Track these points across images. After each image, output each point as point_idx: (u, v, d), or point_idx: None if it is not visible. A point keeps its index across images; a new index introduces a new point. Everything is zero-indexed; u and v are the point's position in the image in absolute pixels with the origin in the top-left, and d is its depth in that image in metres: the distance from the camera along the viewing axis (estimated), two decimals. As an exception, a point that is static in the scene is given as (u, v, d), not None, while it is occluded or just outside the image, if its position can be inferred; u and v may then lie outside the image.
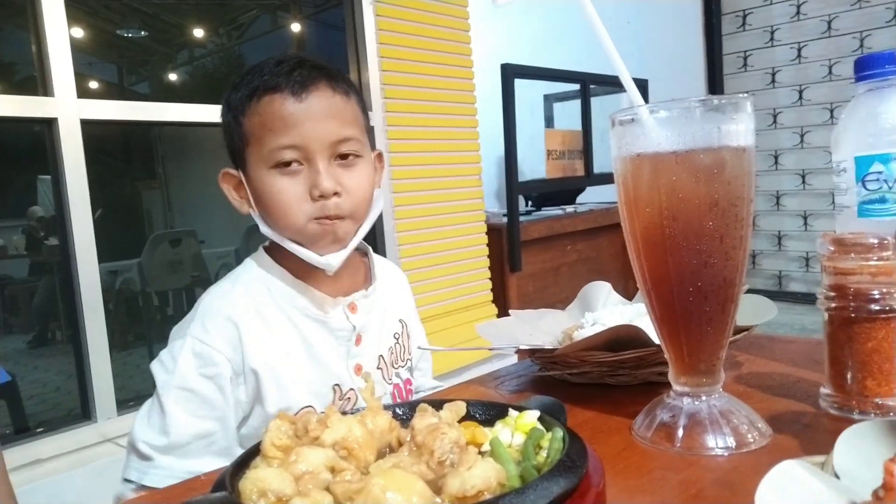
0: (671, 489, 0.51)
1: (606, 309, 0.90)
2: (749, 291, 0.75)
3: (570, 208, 3.59)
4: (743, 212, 0.57)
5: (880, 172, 0.69)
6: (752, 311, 0.77)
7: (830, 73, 4.57)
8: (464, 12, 2.87)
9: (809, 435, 0.59)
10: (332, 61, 0.93)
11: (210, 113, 2.20)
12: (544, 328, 0.90)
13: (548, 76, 3.40)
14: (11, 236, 3.89)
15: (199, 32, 4.29)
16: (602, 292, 0.97)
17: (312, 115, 0.85)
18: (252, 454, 0.48)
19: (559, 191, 3.62)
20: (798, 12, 4.69)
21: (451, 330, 2.69)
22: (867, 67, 0.70)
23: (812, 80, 4.66)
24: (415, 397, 1.02)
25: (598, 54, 0.65)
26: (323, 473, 0.43)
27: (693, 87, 4.93)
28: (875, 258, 0.60)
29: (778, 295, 4.75)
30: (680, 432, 0.58)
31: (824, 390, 0.65)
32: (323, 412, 0.49)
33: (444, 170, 2.78)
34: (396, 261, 2.47)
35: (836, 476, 0.43)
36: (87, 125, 1.90)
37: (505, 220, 3.00)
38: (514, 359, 0.95)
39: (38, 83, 1.88)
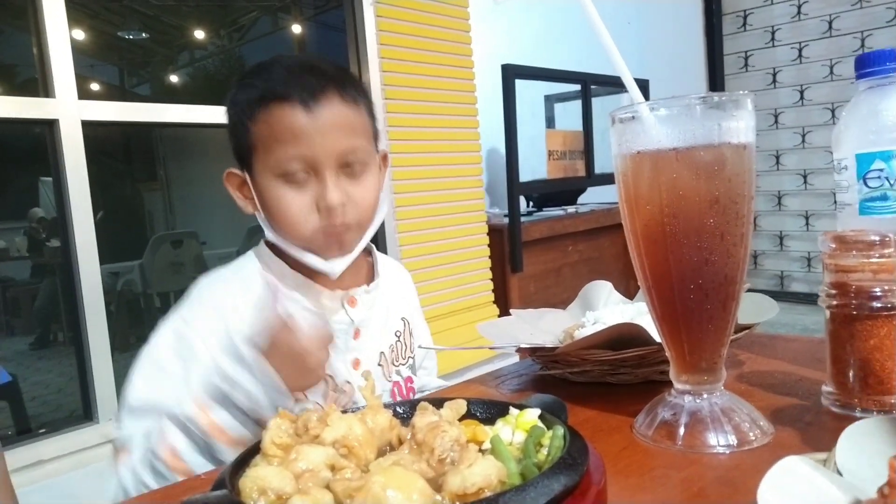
0: (673, 487, 0.51)
1: (607, 308, 0.90)
2: (751, 291, 0.75)
3: (571, 209, 3.59)
4: (744, 209, 0.57)
5: (881, 170, 0.69)
6: (753, 309, 0.77)
7: (831, 73, 4.57)
8: (464, 13, 2.87)
9: (811, 433, 0.59)
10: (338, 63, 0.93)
11: (211, 114, 2.20)
12: (545, 327, 0.90)
13: (548, 76, 3.40)
14: (13, 238, 3.89)
15: (199, 34, 4.29)
16: (603, 291, 0.97)
17: (321, 127, 0.83)
18: (252, 452, 0.48)
19: (560, 191, 3.61)
20: (799, 12, 4.69)
21: (452, 330, 2.68)
22: (868, 65, 0.70)
23: (813, 80, 4.66)
24: (418, 396, 1.02)
25: (599, 54, 0.65)
26: (323, 472, 0.43)
27: (694, 87, 4.92)
28: (876, 255, 0.60)
29: (780, 295, 4.74)
30: (681, 430, 0.58)
31: (826, 388, 0.65)
32: (323, 409, 0.49)
33: (445, 170, 2.78)
34: (398, 261, 2.47)
35: (839, 473, 0.43)
36: (88, 126, 1.90)
37: (506, 220, 2.99)
38: (516, 358, 0.95)
39: (39, 85, 1.88)
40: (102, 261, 1.96)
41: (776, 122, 4.83)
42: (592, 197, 3.76)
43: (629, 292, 0.97)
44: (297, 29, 3.79)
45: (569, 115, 3.70)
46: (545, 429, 0.49)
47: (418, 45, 2.69)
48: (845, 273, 0.61)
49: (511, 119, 2.91)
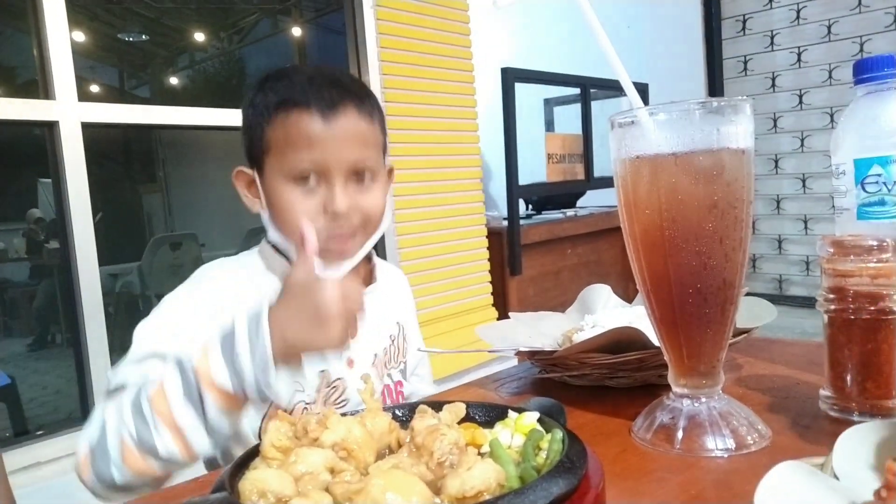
0: (671, 491, 0.51)
1: (606, 311, 0.90)
2: (749, 295, 0.75)
3: (570, 212, 3.60)
4: (742, 213, 0.57)
5: (879, 175, 0.69)
6: (751, 313, 0.77)
7: (830, 77, 4.57)
8: (464, 16, 2.88)
9: (809, 436, 0.59)
10: (333, 65, 0.93)
11: (211, 117, 2.21)
12: (544, 330, 0.90)
13: (548, 80, 3.40)
14: (12, 239, 3.89)
15: (200, 36, 4.30)
16: (602, 295, 0.97)
17: (336, 137, 0.86)
18: (251, 455, 0.48)
19: (559, 194, 3.62)
20: (798, 17, 4.70)
21: (451, 333, 2.69)
22: (866, 70, 0.71)
23: (812, 85, 4.66)
24: (416, 400, 1.02)
25: (599, 58, 0.65)
26: (322, 474, 0.43)
27: (693, 91, 4.93)
28: (874, 260, 0.60)
29: (778, 299, 4.74)
30: (679, 434, 0.58)
31: (824, 392, 0.65)
32: (315, 407, 0.49)
33: (445, 173, 2.79)
34: (397, 264, 2.47)
35: (836, 477, 0.43)
36: (87, 128, 1.90)
37: (505, 223, 3.00)
38: (514, 361, 0.95)
39: (39, 86, 1.88)
40: (101, 262, 1.96)
41: (775, 125, 4.83)
42: (591, 200, 3.76)
43: (628, 295, 0.97)
44: (297, 32, 3.80)
45: (568, 119, 3.71)
46: (544, 432, 0.49)
47: (418, 49, 2.69)
48: (843, 277, 0.61)
49: (510, 122, 2.91)
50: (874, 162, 0.69)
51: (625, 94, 0.65)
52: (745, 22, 4.95)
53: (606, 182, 3.54)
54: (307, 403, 0.89)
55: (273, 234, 0.92)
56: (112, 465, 0.70)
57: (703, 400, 0.60)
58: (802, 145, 4.74)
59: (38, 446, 1.84)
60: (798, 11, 4.69)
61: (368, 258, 1.01)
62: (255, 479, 0.42)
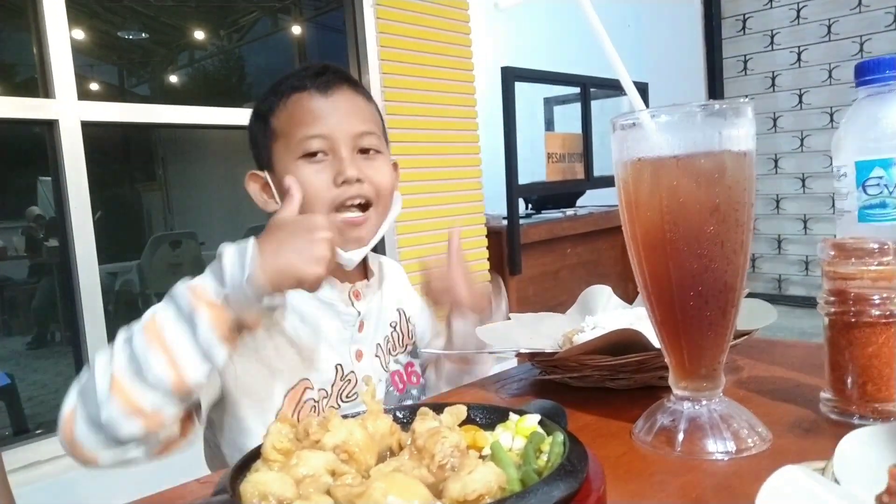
0: (671, 493, 0.51)
1: (607, 313, 0.90)
2: (749, 295, 0.75)
3: (570, 211, 3.60)
4: (744, 216, 0.57)
5: (881, 177, 0.69)
6: (751, 315, 0.77)
7: (830, 76, 4.58)
8: (464, 15, 2.87)
9: (810, 440, 0.59)
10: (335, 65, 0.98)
11: (211, 115, 2.20)
12: (544, 332, 0.90)
13: (548, 79, 3.40)
14: (11, 237, 3.88)
15: (199, 35, 4.29)
16: (602, 296, 0.97)
17: (337, 109, 0.91)
18: (253, 457, 0.48)
19: (559, 194, 3.62)
20: (798, 16, 4.70)
21: (450, 333, 2.68)
22: (868, 73, 0.71)
23: (812, 84, 4.67)
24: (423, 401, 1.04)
25: (599, 57, 0.65)
26: (324, 477, 0.43)
27: (693, 90, 4.93)
28: (875, 263, 0.60)
29: (778, 298, 4.75)
30: (680, 436, 0.58)
31: (824, 395, 0.65)
32: (324, 416, 0.49)
33: (445, 172, 2.79)
34: (397, 262, 2.47)
35: (837, 481, 0.43)
36: (87, 127, 1.90)
37: (505, 223, 3.00)
38: (515, 362, 0.95)
39: (38, 85, 1.88)
40: (101, 261, 1.96)
41: (775, 125, 4.84)
42: (591, 200, 3.76)
43: (628, 295, 0.97)
44: (296, 30, 3.79)
45: (568, 118, 3.71)
46: (545, 435, 0.49)
47: (418, 47, 2.69)
48: (844, 280, 0.61)
49: (510, 121, 2.91)
50: (875, 164, 0.69)
51: (625, 94, 0.65)
52: (744, 21, 4.95)
53: (606, 181, 3.54)
54: (315, 401, 0.89)
55: None
56: (99, 402, 0.69)
57: (704, 402, 0.60)
58: (802, 145, 4.75)
59: (38, 445, 1.84)
60: (798, 11, 4.69)
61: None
62: (256, 482, 0.42)
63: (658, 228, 0.57)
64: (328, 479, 0.43)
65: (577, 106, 3.49)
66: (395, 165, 1.00)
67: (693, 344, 0.59)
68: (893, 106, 0.69)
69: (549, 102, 3.92)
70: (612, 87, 3.41)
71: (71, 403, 0.72)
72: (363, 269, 1.02)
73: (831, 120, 4.57)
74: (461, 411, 0.52)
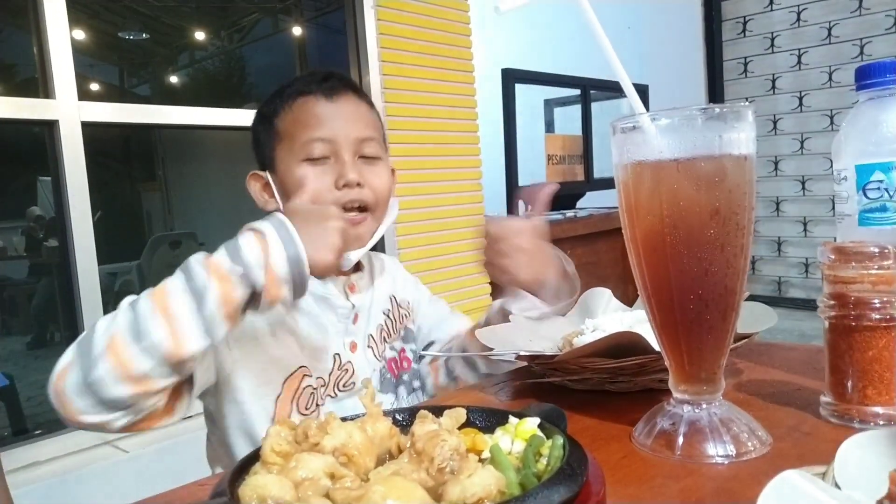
0: (671, 497, 0.51)
1: (606, 315, 0.89)
2: (749, 297, 0.75)
3: (569, 213, 3.59)
4: (744, 220, 0.57)
5: (881, 181, 0.69)
6: (751, 318, 0.77)
7: (830, 79, 4.58)
8: (465, 17, 2.87)
9: (810, 444, 0.59)
10: (333, 65, 1.00)
11: (211, 116, 2.20)
12: (544, 334, 0.90)
13: (548, 81, 3.40)
14: (11, 237, 3.88)
15: (200, 35, 4.29)
16: (602, 299, 0.97)
17: (341, 114, 0.94)
18: (251, 460, 0.48)
19: (559, 195, 3.62)
20: (798, 19, 4.70)
21: (450, 334, 2.68)
22: (868, 76, 0.71)
23: (812, 87, 4.67)
24: (450, 344, 1.06)
25: (599, 60, 0.65)
26: (323, 480, 0.43)
27: (693, 93, 4.94)
28: (876, 267, 0.60)
29: (778, 301, 4.75)
30: (680, 440, 0.58)
31: (825, 399, 0.65)
32: (323, 419, 0.49)
33: (445, 174, 2.78)
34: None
35: (837, 486, 0.43)
36: (87, 127, 1.90)
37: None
38: (515, 365, 0.95)
39: (39, 85, 1.88)
40: (100, 261, 1.96)
41: (775, 128, 4.84)
42: (591, 202, 3.76)
43: (627, 297, 0.97)
44: (297, 31, 3.79)
45: (568, 120, 3.71)
46: (545, 438, 0.49)
47: (419, 49, 2.69)
48: (844, 284, 0.61)
49: (510, 123, 2.91)
50: (876, 168, 0.69)
51: (625, 96, 0.65)
52: (745, 24, 4.95)
53: (606, 183, 3.54)
54: (314, 388, 0.91)
55: None
56: (93, 360, 0.69)
57: (704, 406, 0.60)
58: (802, 147, 4.75)
59: (37, 445, 1.83)
60: (798, 13, 4.69)
61: None
62: (255, 485, 0.42)
63: (658, 232, 0.57)
64: (327, 482, 0.43)
65: (578, 108, 3.49)
66: (392, 171, 1.02)
67: (693, 347, 0.59)
68: (894, 110, 0.69)
69: (550, 104, 3.92)
70: (612, 90, 3.40)
71: (67, 357, 0.73)
72: (356, 262, 1.03)
73: (831, 122, 4.58)
74: (461, 414, 0.52)
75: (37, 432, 1.91)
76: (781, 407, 0.68)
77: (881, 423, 0.60)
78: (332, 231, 0.76)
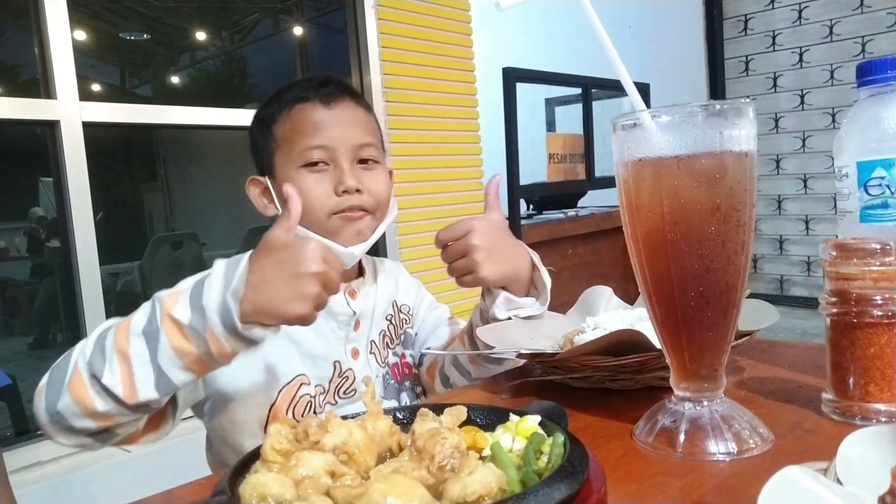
0: (672, 495, 0.51)
1: (607, 313, 0.89)
2: (751, 296, 0.74)
3: (571, 212, 3.59)
4: (745, 217, 0.57)
5: (882, 178, 0.69)
6: (753, 316, 0.77)
7: (832, 77, 4.57)
8: (466, 16, 2.87)
9: (811, 441, 0.59)
10: (334, 65, 1.00)
11: (212, 116, 2.21)
12: (545, 332, 0.90)
13: (549, 80, 3.40)
14: (13, 238, 3.88)
15: (201, 35, 4.29)
16: (603, 297, 0.97)
17: (339, 121, 0.93)
18: (252, 458, 0.48)
19: (560, 194, 3.62)
20: (799, 17, 4.69)
21: (452, 333, 2.68)
22: (869, 73, 0.71)
23: (813, 85, 4.66)
24: (439, 330, 1.06)
25: (600, 58, 0.65)
26: (323, 478, 0.43)
27: (695, 91, 4.93)
28: (877, 263, 0.60)
29: (779, 299, 4.74)
30: (681, 437, 0.58)
31: (826, 396, 0.65)
32: (324, 417, 0.49)
33: (446, 173, 2.79)
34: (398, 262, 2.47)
35: (839, 482, 0.43)
36: (89, 127, 1.90)
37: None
38: (516, 363, 0.95)
39: (40, 86, 1.88)
40: (102, 261, 1.96)
41: (776, 126, 4.83)
42: (592, 200, 3.76)
43: (629, 296, 0.97)
44: (298, 31, 3.79)
45: (569, 119, 3.71)
46: (545, 436, 0.49)
47: (419, 48, 2.69)
48: (846, 281, 0.61)
49: (512, 122, 2.91)
50: (877, 165, 0.69)
51: (626, 94, 0.65)
52: (746, 22, 4.95)
53: (607, 182, 3.53)
54: (312, 397, 0.90)
55: None
56: (61, 387, 0.69)
57: (705, 403, 0.60)
58: (804, 145, 4.74)
59: (39, 445, 1.84)
60: (800, 11, 4.69)
61: None
62: (255, 483, 0.42)
63: (659, 229, 0.57)
64: (328, 480, 0.43)
65: (579, 107, 3.49)
66: (390, 173, 1.02)
67: (694, 345, 0.59)
68: (895, 106, 0.69)
69: (551, 103, 3.92)
70: (613, 88, 3.40)
71: (43, 381, 0.73)
72: (357, 268, 1.03)
73: (833, 120, 4.57)
74: (461, 412, 0.52)
75: (39, 432, 1.91)
76: (783, 404, 0.68)
77: (883, 419, 0.60)
78: (309, 279, 0.68)
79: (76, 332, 1.92)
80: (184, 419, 0.89)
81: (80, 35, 2.63)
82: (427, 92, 2.71)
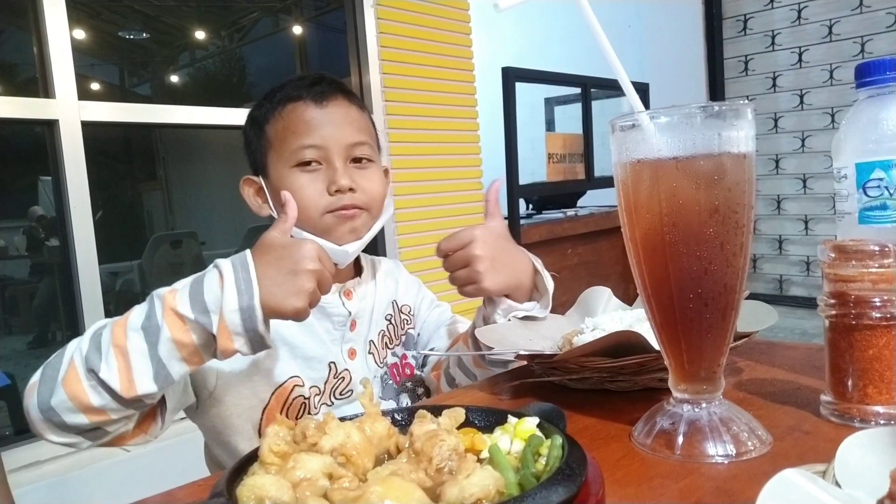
0: (671, 497, 0.51)
1: (606, 314, 0.89)
2: (750, 296, 0.74)
3: (570, 212, 3.59)
4: (743, 218, 0.56)
5: (881, 179, 0.69)
6: (752, 317, 0.77)
7: (831, 77, 4.57)
8: (465, 16, 2.87)
9: (810, 443, 0.59)
10: (333, 64, 1.00)
11: (211, 115, 2.20)
12: (544, 333, 0.90)
13: (549, 80, 3.40)
14: (12, 237, 3.88)
15: (200, 34, 4.29)
16: (602, 297, 0.97)
17: (332, 120, 0.93)
18: (250, 460, 0.48)
19: (560, 194, 3.62)
20: (799, 17, 4.69)
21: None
22: (868, 74, 0.70)
23: (813, 85, 4.66)
24: (441, 331, 1.06)
25: (599, 57, 0.65)
26: (321, 480, 0.43)
27: (694, 90, 4.93)
28: (876, 265, 0.59)
29: (779, 299, 4.74)
30: (680, 439, 0.58)
31: (825, 398, 0.64)
32: (321, 417, 0.49)
33: (445, 172, 2.78)
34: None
35: (838, 485, 0.43)
36: (88, 126, 1.90)
37: (505, 223, 2.99)
38: (514, 364, 0.95)
39: (39, 85, 1.88)
40: (101, 261, 1.96)
41: (776, 126, 4.83)
42: (592, 200, 3.76)
43: (628, 296, 0.97)
44: (297, 30, 3.79)
45: (569, 118, 3.71)
46: (543, 438, 0.49)
47: (419, 48, 2.69)
48: (845, 283, 0.61)
49: (511, 122, 2.91)
50: (876, 166, 0.69)
51: (625, 94, 0.65)
52: (745, 22, 4.95)
53: (607, 182, 3.53)
54: (306, 398, 0.89)
55: None
56: (55, 383, 0.70)
57: (704, 405, 0.60)
58: (803, 145, 4.74)
59: (38, 445, 1.84)
60: (799, 11, 4.68)
61: None
62: (252, 486, 0.42)
63: (657, 231, 0.57)
64: (325, 482, 0.43)
65: (578, 106, 3.49)
66: (385, 171, 1.02)
67: (693, 347, 0.59)
68: (894, 107, 0.69)
69: (550, 103, 3.92)
70: (612, 88, 3.40)
71: (35, 377, 0.73)
72: (353, 267, 1.03)
73: (832, 120, 4.57)
74: (459, 414, 0.52)
75: (38, 432, 1.91)
76: (782, 406, 0.68)
77: (882, 421, 0.60)
78: (306, 275, 0.72)
79: (75, 332, 1.92)
80: (182, 419, 0.89)
81: (80, 34, 2.63)
82: (426, 91, 2.71)
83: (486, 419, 0.54)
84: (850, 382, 0.62)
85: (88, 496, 1.77)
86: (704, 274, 0.56)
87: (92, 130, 1.93)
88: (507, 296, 0.91)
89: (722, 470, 0.55)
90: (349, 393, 0.94)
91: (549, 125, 3.95)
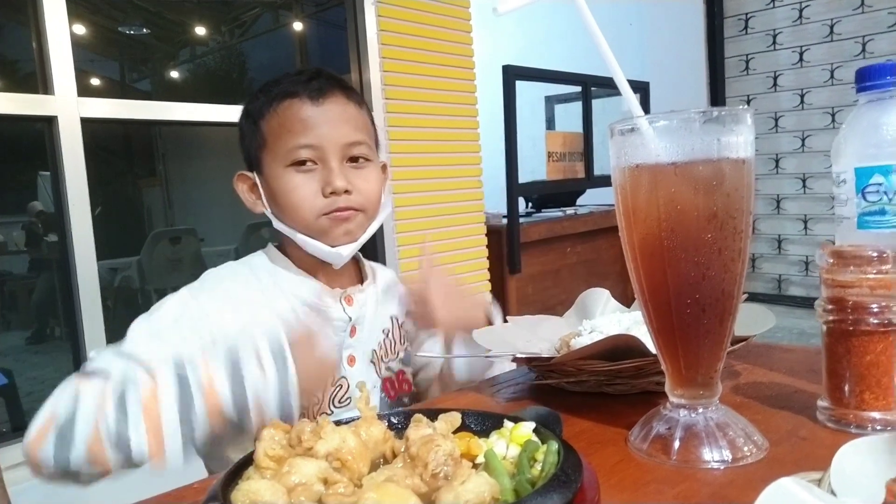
0: (666, 503, 0.51)
1: (604, 316, 0.89)
2: (748, 298, 0.74)
3: (570, 210, 3.59)
4: (741, 224, 0.56)
5: (880, 184, 0.69)
6: (749, 320, 0.77)
7: (832, 77, 4.57)
8: (465, 13, 2.87)
9: (806, 449, 0.59)
10: (333, 61, 0.98)
11: (211, 112, 2.20)
12: (542, 335, 0.89)
13: (549, 78, 3.40)
14: (11, 232, 3.88)
15: (201, 30, 4.28)
16: (600, 299, 0.97)
17: (328, 118, 0.90)
18: (245, 464, 0.47)
19: (559, 192, 3.61)
20: (800, 16, 4.69)
21: (449, 332, 2.68)
22: (868, 78, 0.70)
23: (814, 84, 4.66)
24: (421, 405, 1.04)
25: (600, 56, 0.65)
26: (316, 485, 0.43)
27: (695, 90, 4.93)
28: (874, 271, 0.59)
29: (777, 299, 4.74)
30: (676, 445, 0.58)
31: (822, 403, 0.64)
32: (319, 414, 0.49)
33: (445, 171, 2.78)
34: (396, 261, 2.47)
35: (833, 493, 0.43)
36: (87, 122, 1.89)
37: (505, 221, 2.99)
38: (512, 365, 0.95)
39: (38, 81, 1.88)
40: (100, 256, 1.96)
41: (776, 125, 4.83)
42: (591, 199, 3.76)
43: (627, 296, 0.97)
44: (298, 26, 3.78)
45: (569, 117, 3.71)
46: (539, 443, 0.49)
47: (419, 45, 2.68)
48: (843, 288, 0.61)
49: (511, 120, 2.91)
50: (875, 171, 0.69)
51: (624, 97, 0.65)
52: (747, 21, 4.94)
53: (607, 180, 3.52)
54: (304, 408, 0.89)
55: (278, 225, 0.94)
56: (72, 447, 0.67)
57: (700, 410, 0.60)
58: (803, 145, 4.74)
59: (36, 442, 1.83)
60: (800, 11, 4.68)
61: (356, 258, 1.03)
62: (247, 490, 0.42)
63: (655, 236, 0.57)
64: (320, 487, 0.43)
65: (579, 105, 3.48)
66: (384, 168, 1.00)
67: (690, 352, 0.59)
68: (894, 112, 0.69)
69: (550, 101, 3.92)
70: (613, 86, 3.38)
71: (43, 421, 0.69)
72: (356, 274, 1.02)
73: (833, 120, 4.56)
74: (456, 418, 0.52)
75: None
76: (779, 411, 0.68)
77: (878, 427, 0.60)
78: (327, 377, 0.78)
79: (73, 328, 1.92)
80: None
81: (80, 29, 2.62)
82: (426, 89, 2.71)
83: (483, 423, 0.54)
84: (847, 388, 0.62)
85: (86, 495, 1.77)
86: (702, 279, 0.56)
87: (91, 127, 1.92)
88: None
89: (718, 475, 0.55)
90: (348, 400, 0.93)
91: (550, 123, 3.95)
